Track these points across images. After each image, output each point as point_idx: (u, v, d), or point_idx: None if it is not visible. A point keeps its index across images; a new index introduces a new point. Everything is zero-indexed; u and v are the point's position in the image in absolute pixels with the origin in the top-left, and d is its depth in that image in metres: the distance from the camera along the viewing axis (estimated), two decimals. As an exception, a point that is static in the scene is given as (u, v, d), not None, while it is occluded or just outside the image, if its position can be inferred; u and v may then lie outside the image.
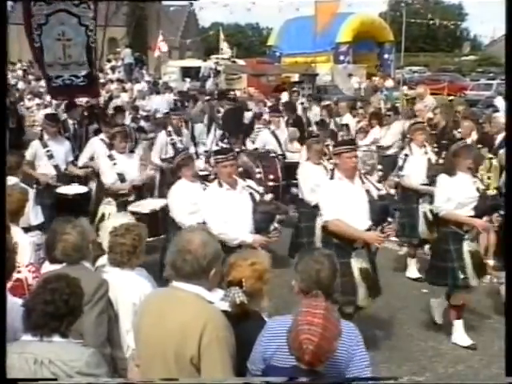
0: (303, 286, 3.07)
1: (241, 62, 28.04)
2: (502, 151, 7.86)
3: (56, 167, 8.04)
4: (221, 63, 25.18)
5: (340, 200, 5.30)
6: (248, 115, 13.06)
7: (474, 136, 9.37)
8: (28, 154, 7.93)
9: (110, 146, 7.73)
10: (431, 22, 38.88)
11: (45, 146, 8.09)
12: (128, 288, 3.89)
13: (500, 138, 9.05)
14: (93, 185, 8.26)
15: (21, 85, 26.16)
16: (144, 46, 38.64)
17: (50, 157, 8.06)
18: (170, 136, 9.22)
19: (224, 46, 27.54)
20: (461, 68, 44.61)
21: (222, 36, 28.36)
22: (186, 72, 27.43)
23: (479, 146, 8.60)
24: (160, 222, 6.77)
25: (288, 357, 2.64)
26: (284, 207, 6.56)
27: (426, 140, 7.97)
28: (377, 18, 35.52)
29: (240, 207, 5.41)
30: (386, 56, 33.05)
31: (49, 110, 20.32)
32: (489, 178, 7.80)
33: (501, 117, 10.31)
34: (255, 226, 5.41)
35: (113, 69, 28.33)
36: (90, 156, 8.53)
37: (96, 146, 8.51)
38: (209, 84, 23.77)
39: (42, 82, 17.98)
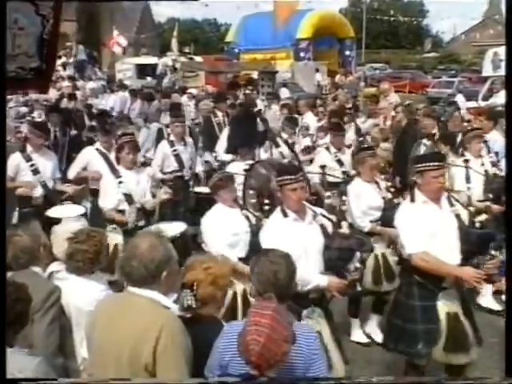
0: (260, 287, 3.03)
1: (198, 58, 27.26)
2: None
3: (43, 184, 6.88)
4: (178, 60, 24.44)
5: (425, 228, 4.35)
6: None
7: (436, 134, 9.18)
8: (9, 169, 6.58)
9: (116, 160, 6.54)
10: (392, 18, 38.96)
11: (28, 159, 6.89)
12: (84, 295, 3.80)
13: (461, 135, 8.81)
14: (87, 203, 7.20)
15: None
16: (97, 42, 37.67)
17: (35, 172, 6.88)
18: (172, 147, 7.97)
19: (174, 43, 26.28)
20: (422, 65, 44.91)
21: (174, 33, 27.23)
22: (142, 69, 26.72)
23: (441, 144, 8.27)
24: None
25: (242, 363, 2.57)
26: (368, 242, 5.48)
27: (483, 149, 7.12)
28: (337, 14, 35.51)
29: (309, 243, 4.29)
30: (346, 53, 33.05)
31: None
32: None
33: (462, 114, 10.18)
34: (328, 265, 4.29)
35: (64, 65, 27.31)
36: (82, 169, 7.36)
37: (91, 158, 7.30)
38: (165, 81, 23.14)
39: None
